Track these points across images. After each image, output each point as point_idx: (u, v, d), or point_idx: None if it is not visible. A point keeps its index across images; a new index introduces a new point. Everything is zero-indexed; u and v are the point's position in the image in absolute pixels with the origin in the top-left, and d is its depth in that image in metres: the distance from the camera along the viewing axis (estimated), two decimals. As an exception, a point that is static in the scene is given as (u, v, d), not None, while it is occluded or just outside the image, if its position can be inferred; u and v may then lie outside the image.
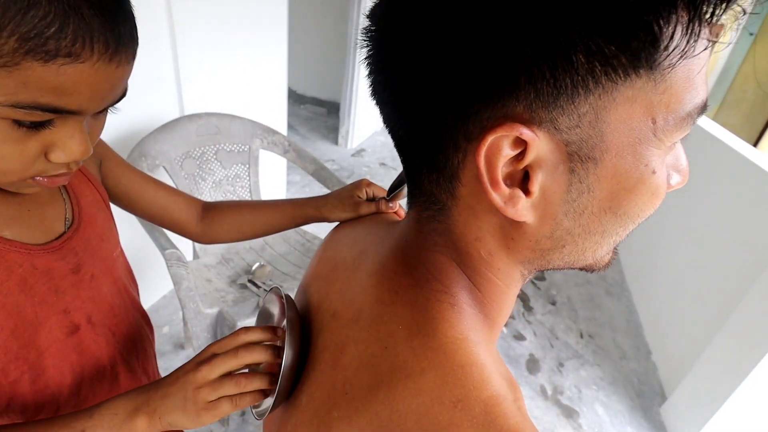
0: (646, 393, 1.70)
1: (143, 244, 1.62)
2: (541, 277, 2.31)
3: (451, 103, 0.25)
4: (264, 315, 0.44)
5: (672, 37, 0.22)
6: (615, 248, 0.33)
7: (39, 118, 0.34)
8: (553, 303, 2.14)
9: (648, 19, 0.21)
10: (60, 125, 0.36)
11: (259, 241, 1.47)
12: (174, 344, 1.57)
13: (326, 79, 4.31)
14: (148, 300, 1.71)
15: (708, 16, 0.22)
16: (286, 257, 1.41)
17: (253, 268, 1.31)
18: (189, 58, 1.51)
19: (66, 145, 0.37)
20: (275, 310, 0.43)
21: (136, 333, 0.58)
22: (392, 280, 0.32)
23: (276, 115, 2.19)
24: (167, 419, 0.40)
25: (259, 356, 0.40)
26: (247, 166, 1.47)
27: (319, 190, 2.86)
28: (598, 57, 0.21)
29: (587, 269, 0.33)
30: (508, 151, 0.24)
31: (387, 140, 4.02)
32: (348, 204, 0.54)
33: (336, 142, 3.70)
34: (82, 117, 0.37)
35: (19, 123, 0.34)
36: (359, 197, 0.54)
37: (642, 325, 2.07)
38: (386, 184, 0.53)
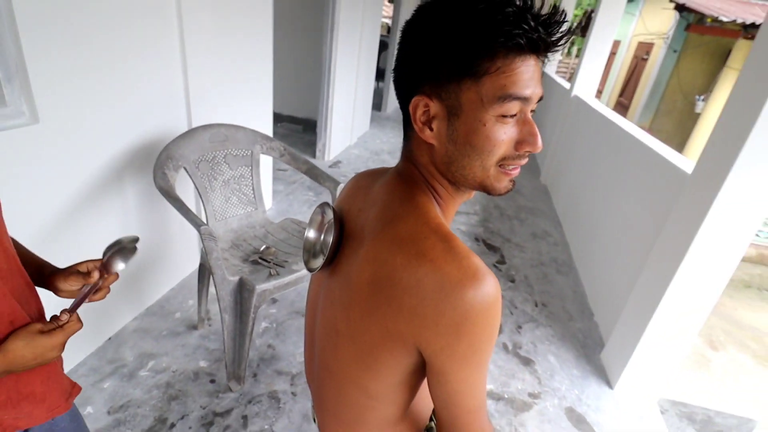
0: (589, 345, 2.05)
1: (156, 243, 1.87)
2: (501, 261, 2.66)
3: (404, 92, 0.55)
4: (313, 219, 0.73)
5: (482, 65, 0.50)
6: (513, 180, 0.59)
7: None
8: (512, 281, 2.49)
9: (474, 62, 0.51)
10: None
11: (262, 230, 1.74)
12: (186, 326, 1.79)
13: (301, 99, 4.62)
14: (159, 291, 1.93)
15: (497, 60, 0.52)
16: (287, 242, 1.68)
17: (261, 248, 1.57)
18: (197, 82, 1.79)
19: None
20: (320, 214, 0.72)
21: (25, 292, 0.66)
22: (393, 183, 0.62)
23: (264, 130, 2.48)
24: (13, 364, 0.57)
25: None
26: (250, 167, 1.75)
27: (311, 184, 3.16)
28: (456, 74, 0.51)
29: (486, 190, 0.58)
30: (421, 110, 0.54)
31: (360, 153, 4.35)
32: (71, 275, 0.71)
33: (314, 156, 3.99)
34: None
35: None
36: (78, 269, 0.71)
37: (586, 294, 2.44)
38: None
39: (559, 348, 2.00)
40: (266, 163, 2.68)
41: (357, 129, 4.70)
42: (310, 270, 0.69)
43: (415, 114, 0.53)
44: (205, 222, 1.43)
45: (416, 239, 0.51)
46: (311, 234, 0.72)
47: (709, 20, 5.71)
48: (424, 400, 0.74)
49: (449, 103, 0.51)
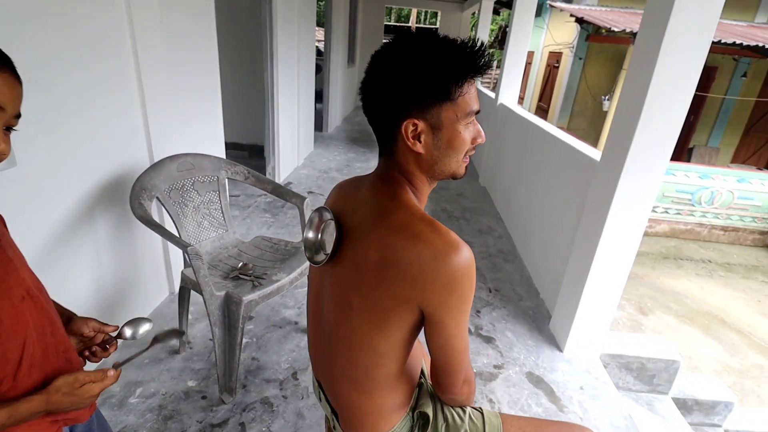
0: (538, 319, 2.33)
1: (126, 276, 1.90)
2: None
3: (391, 118, 0.74)
4: (311, 221, 0.88)
5: (455, 92, 0.72)
6: (467, 166, 0.83)
7: None
8: (467, 273, 2.74)
9: (451, 90, 0.71)
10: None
11: (235, 249, 1.84)
12: (167, 352, 1.83)
13: (245, 125, 4.69)
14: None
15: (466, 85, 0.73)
16: (261, 257, 1.80)
17: (239, 266, 1.68)
18: (155, 117, 1.88)
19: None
20: (317, 217, 0.88)
21: (48, 303, 0.73)
22: (379, 185, 0.80)
23: (218, 154, 2.56)
24: (55, 406, 0.64)
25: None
26: (217, 192, 1.85)
27: (266, 207, 3.23)
28: (438, 100, 0.71)
29: (455, 177, 0.81)
30: (411, 129, 0.74)
31: (308, 172, 4.49)
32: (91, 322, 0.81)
33: (264, 180, 4.06)
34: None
35: None
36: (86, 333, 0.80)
37: (531, 277, 2.74)
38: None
39: (514, 325, 2.26)
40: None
41: (303, 150, 4.84)
42: (315, 263, 0.84)
43: (407, 132, 0.72)
44: (184, 258, 1.52)
45: (409, 226, 0.71)
46: (311, 234, 0.87)
47: (603, 31, 6.54)
48: (416, 359, 0.92)
49: (433, 122, 0.71)
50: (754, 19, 8.68)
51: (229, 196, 3.46)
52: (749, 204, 6.41)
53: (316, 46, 10.81)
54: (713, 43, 6.28)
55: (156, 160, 1.85)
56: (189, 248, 1.34)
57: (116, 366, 0.74)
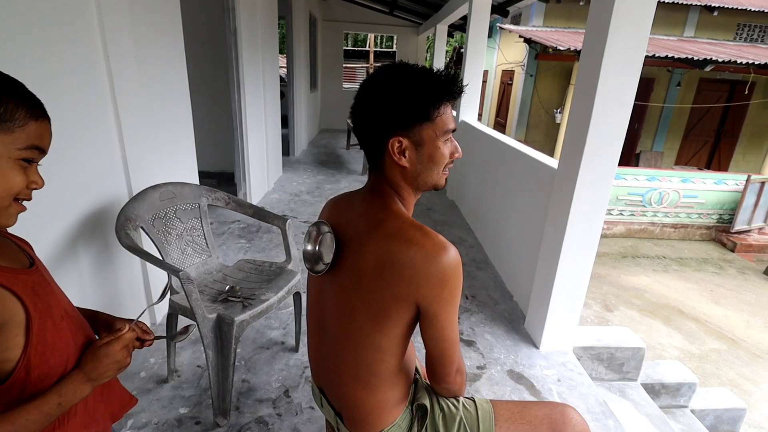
0: (514, 320, 2.46)
1: (108, 307, 1.90)
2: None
3: (378, 137, 0.84)
4: (309, 234, 0.96)
5: (434, 113, 0.84)
6: (446, 179, 0.94)
7: (30, 156, 0.60)
8: (444, 283, 2.85)
9: (430, 112, 0.83)
10: (34, 166, 0.64)
11: (220, 274, 1.87)
12: (155, 382, 1.82)
13: (213, 154, 4.70)
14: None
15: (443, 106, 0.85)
16: (247, 279, 1.84)
17: (226, 289, 1.71)
18: (132, 150, 1.91)
19: (39, 177, 0.65)
20: (315, 230, 0.96)
21: (82, 321, 0.80)
22: (371, 198, 0.90)
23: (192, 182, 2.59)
24: (101, 377, 0.70)
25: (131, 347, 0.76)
26: (199, 219, 1.89)
27: (240, 233, 3.24)
28: (419, 120, 0.82)
29: (436, 188, 0.92)
30: (396, 145, 0.84)
31: (280, 196, 4.53)
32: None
33: (236, 206, 4.07)
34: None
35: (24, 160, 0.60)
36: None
37: (504, 281, 2.89)
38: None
39: (492, 327, 2.38)
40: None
41: (272, 174, 4.88)
42: (316, 273, 0.93)
43: (393, 148, 0.83)
44: (168, 277, 1.55)
45: (401, 231, 0.81)
46: (309, 246, 0.95)
47: (550, 50, 7.02)
48: (411, 357, 1.01)
49: (415, 139, 0.83)
50: (683, 34, 9.54)
51: (203, 224, 3.45)
52: (694, 202, 6.93)
53: (279, 74, 10.96)
54: (648, 56, 6.87)
55: (135, 191, 1.88)
56: (181, 273, 1.38)
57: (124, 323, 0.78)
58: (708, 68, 6.84)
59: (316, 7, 7.89)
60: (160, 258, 1.71)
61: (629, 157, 9.28)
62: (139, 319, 0.87)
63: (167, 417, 1.64)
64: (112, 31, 1.71)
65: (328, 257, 0.90)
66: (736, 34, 9.78)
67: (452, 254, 0.79)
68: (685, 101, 8.94)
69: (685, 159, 9.59)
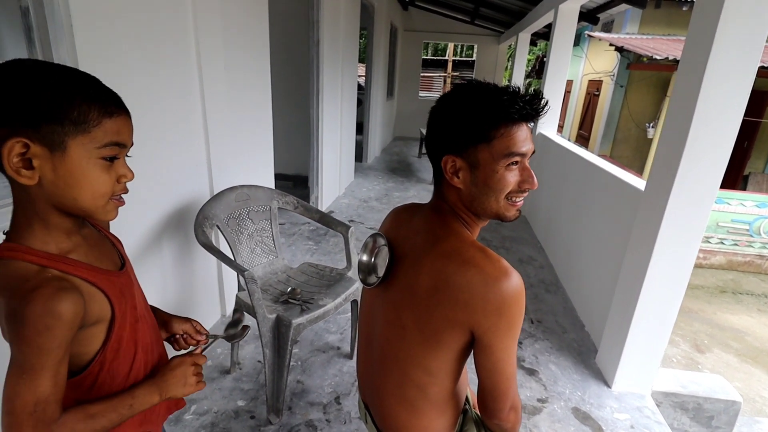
0: (584, 352, 2.26)
1: (186, 297, 2.04)
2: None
3: (437, 154, 0.81)
4: (366, 245, 0.95)
5: (490, 134, 0.77)
6: (519, 210, 0.85)
7: (111, 153, 0.60)
8: (508, 303, 2.71)
9: (485, 132, 0.76)
10: (120, 160, 0.64)
11: (284, 275, 1.94)
12: (219, 372, 1.92)
13: (289, 157, 4.94)
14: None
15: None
16: (308, 283, 1.89)
17: (288, 290, 1.77)
18: (217, 151, 2.05)
19: (128, 170, 0.66)
20: (372, 242, 0.95)
21: (154, 322, 0.83)
22: (431, 215, 0.86)
23: (269, 185, 2.73)
24: (171, 394, 0.72)
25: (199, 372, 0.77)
26: (269, 221, 1.98)
27: (309, 234, 3.36)
28: (473, 141, 0.77)
29: (500, 218, 0.84)
30: (450, 165, 0.80)
31: (349, 201, 4.63)
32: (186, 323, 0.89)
33: (307, 208, 4.24)
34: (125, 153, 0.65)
35: (105, 159, 0.60)
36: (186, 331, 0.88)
37: (575, 308, 2.68)
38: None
39: (558, 357, 2.21)
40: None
41: (344, 180, 5.01)
42: (368, 285, 0.91)
43: (446, 167, 0.79)
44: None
45: (460, 252, 0.76)
46: (364, 257, 0.94)
47: (644, 59, 6.45)
48: (463, 385, 0.95)
49: (470, 160, 0.77)
50: (810, 42, 8.29)
51: (275, 224, 3.64)
52: (816, 235, 5.95)
53: (357, 81, 11.30)
54: (762, 67, 6.06)
55: (215, 190, 2.02)
56: (246, 273, 1.44)
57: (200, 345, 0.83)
58: None
59: (398, 18, 8.02)
60: (232, 256, 1.81)
61: (736, 178, 8.22)
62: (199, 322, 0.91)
63: (226, 407, 1.72)
64: (206, 48, 1.86)
65: (381, 270, 0.88)
66: None
67: (514, 281, 0.72)
68: (810, 118, 7.73)
69: (808, 184, 8.27)
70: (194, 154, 1.92)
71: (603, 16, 6.74)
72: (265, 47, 2.52)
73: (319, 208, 4.22)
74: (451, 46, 17.69)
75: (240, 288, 1.75)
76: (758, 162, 8.21)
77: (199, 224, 1.66)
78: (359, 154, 6.46)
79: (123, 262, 0.75)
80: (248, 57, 2.34)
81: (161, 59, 1.64)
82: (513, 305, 0.73)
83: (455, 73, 16.48)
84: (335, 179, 4.62)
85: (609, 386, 2.02)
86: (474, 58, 9.71)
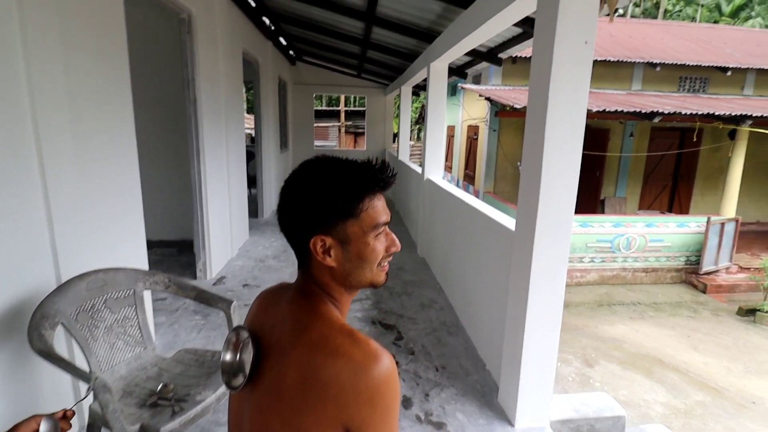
0: (487, 392, 2.30)
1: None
2: (399, 337, 2.86)
3: (301, 235, 0.75)
4: (229, 341, 0.83)
5: (357, 209, 0.76)
6: (386, 273, 0.83)
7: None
8: (413, 353, 2.69)
9: (353, 208, 0.74)
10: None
11: (155, 369, 1.68)
12: (75, 504, 1.56)
13: (171, 221, 4.53)
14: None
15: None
16: (185, 374, 1.65)
17: (158, 389, 1.52)
18: (63, 228, 1.76)
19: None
20: (234, 336, 0.84)
21: None
22: (297, 299, 0.79)
23: (139, 261, 2.43)
24: None
25: None
26: (134, 306, 1.73)
27: (196, 308, 3.04)
28: (342, 217, 0.74)
29: (373, 286, 0.82)
30: (319, 245, 0.75)
31: (243, 263, 4.35)
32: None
33: (195, 276, 3.87)
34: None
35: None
36: None
37: (476, 347, 2.75)
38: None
39: (463, 404, 2.21)
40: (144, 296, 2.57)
41: (236, 239, 4.72)
42: (233, 389, 0.79)
43: (316, 248, 0.74)
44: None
45: (327, 340, 0.70)
46: (228, 356, 0.82)
47: (508, 107, 7.36)
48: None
49: (340, 237, 0.74)
50: (630, 87, 10.21)
51: (155, 300, 3.23)
52: (661, 245, 7.07)
53: (248, 133, 11.05)
54: (599, 111, 7.21)
55: (64, 278, 1.71)
56: (96, 380, 1.20)
57: None
58: (656, 119, 7.25)
59: (286, 72, 8.13)
60: (84, 358, 1.52)
61: (595, 203, 9.54)
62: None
63: None
64: (44, 108, 1.62)
65: (249, 368, 0.77)
66: (679, 85, 10.53)
67: (385, 364, 0.67)
68: (640, 149, 9.39)
69: (648, 203, 9.93)
70: (30, 241, 1.62)
71: (471, 71, 7.59)
72: (128, 107, 2.30)
73: (209, 275, 3.89)
74: (342, 96, 18.44)
75: (95, 397, 1.46)
76: (610, 187, 9.66)
77: (34, 327, 1.37)
78: (254, 210, 6.20)
79: None
80: (106, 120, 2.10)
81: (-25, 135, 1.38)
82: (385, 391, 0.68)
83: (348, 123, 17.10)
84: (226, 240, 4.32)
85: (512, 424, 2.05)
86: (365, 107, 10.18)
